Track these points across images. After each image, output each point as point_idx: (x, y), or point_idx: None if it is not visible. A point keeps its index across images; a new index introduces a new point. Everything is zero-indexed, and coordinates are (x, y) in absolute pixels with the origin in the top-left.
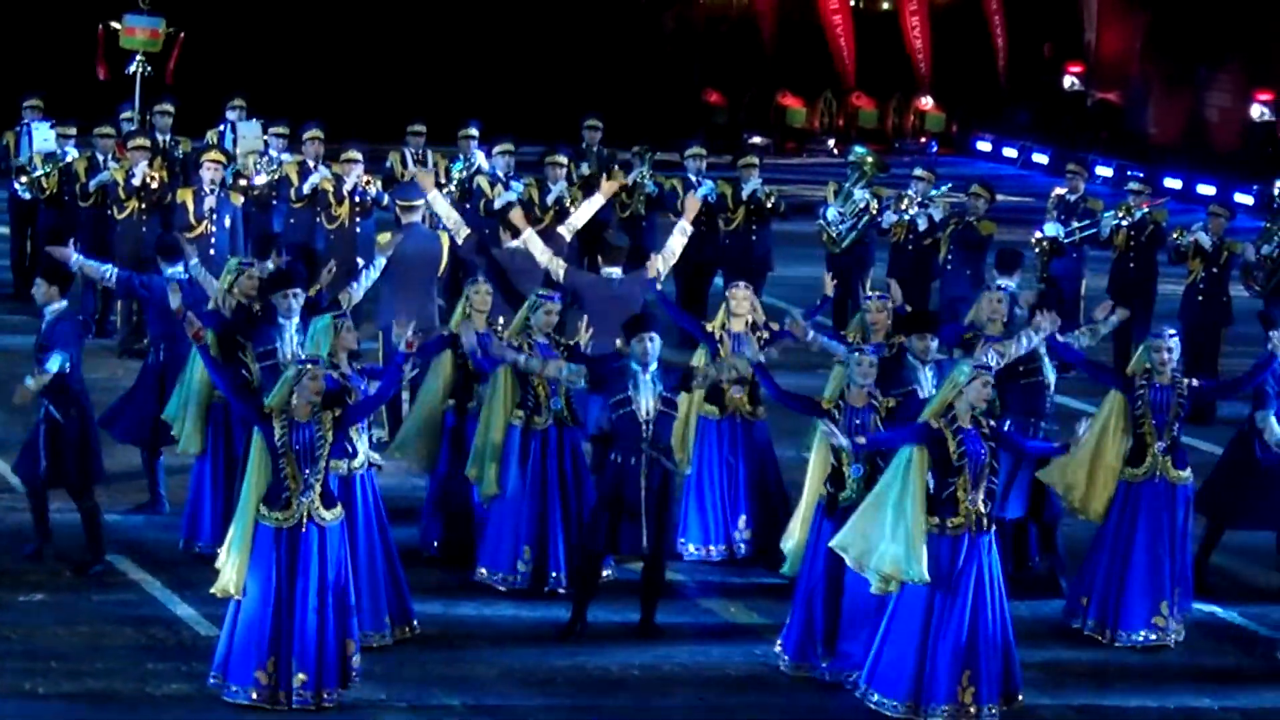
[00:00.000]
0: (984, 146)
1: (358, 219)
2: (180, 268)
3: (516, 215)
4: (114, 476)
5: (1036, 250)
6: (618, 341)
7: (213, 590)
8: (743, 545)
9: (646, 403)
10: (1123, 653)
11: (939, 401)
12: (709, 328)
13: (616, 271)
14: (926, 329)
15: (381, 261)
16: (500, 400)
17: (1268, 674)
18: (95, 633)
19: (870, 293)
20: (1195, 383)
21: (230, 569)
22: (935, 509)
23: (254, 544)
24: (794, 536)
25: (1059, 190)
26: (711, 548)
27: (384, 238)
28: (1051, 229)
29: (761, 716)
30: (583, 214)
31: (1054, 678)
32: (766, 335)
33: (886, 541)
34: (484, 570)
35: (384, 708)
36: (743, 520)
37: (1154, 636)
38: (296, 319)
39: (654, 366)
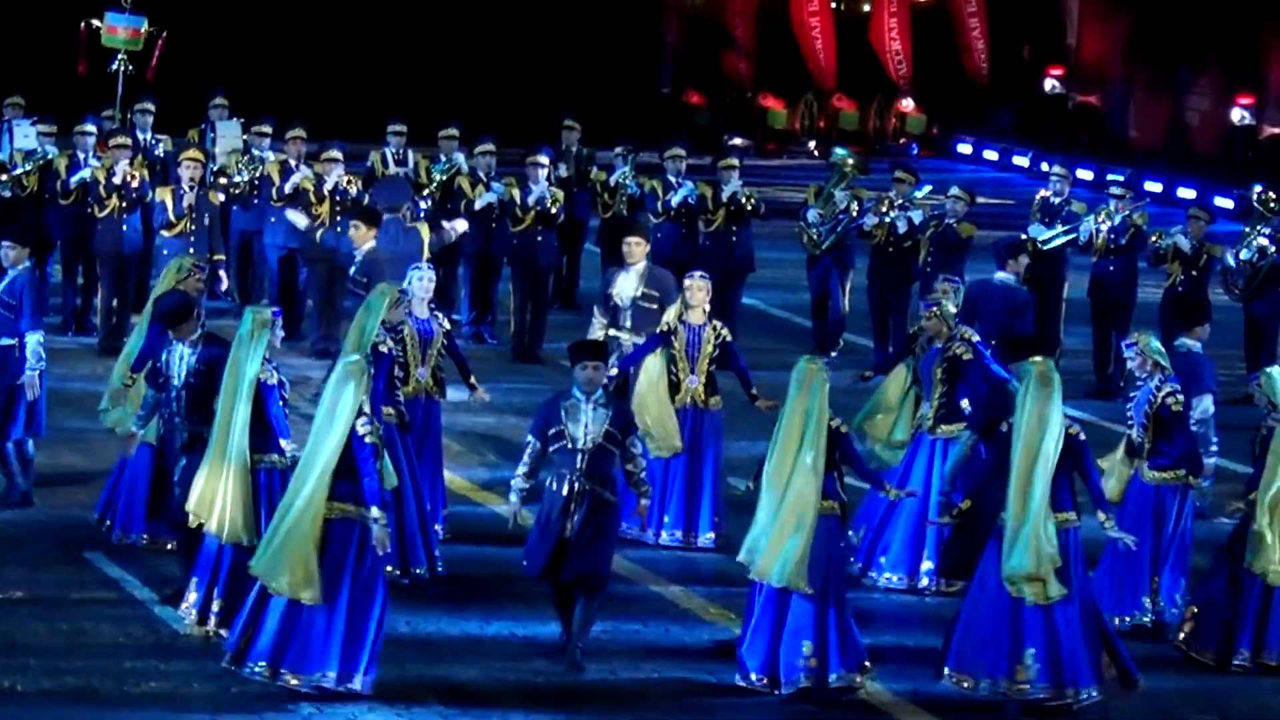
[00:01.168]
0: (965, 149)
1: (338, 218)
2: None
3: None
4: (94, 475)
5: None
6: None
7: (300, 597)
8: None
9: (585, 432)
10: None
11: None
12: (664, 323)
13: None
14: (1037, 353)
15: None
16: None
17: (1244, 677)
18: (74, 630)
19: (923, 299)
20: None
21: (306, 570)
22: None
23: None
24: (786, 545)
25: (1043, 193)
26: (658, 533)
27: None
28: (1035, 231)
29: None
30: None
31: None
32: (725, 336)
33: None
34: None
35: (366, 704)
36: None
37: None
38: (195, 336)
39: (599, 395)
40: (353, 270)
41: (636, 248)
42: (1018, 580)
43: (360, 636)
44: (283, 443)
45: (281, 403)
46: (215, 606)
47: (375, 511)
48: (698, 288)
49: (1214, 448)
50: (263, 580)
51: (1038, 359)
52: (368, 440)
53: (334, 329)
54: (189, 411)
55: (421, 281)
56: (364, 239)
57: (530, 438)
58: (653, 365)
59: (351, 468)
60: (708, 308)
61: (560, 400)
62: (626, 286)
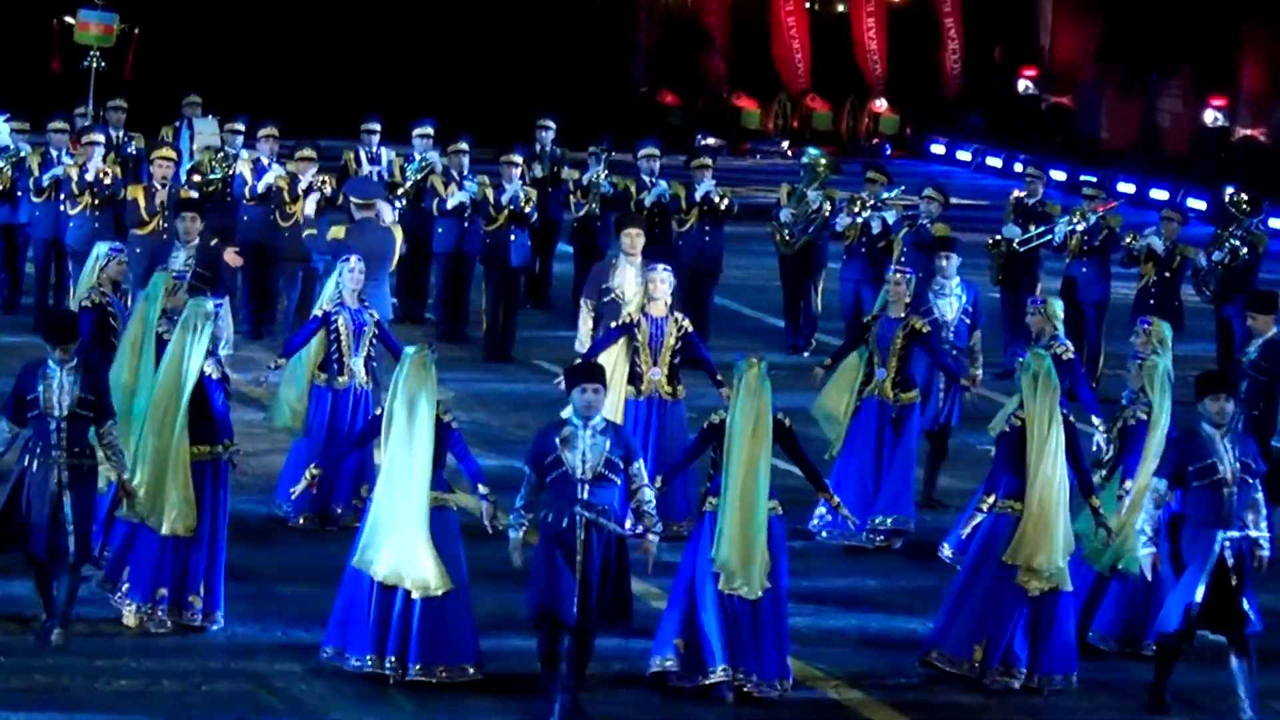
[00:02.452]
0: (938, 149)
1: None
2: None
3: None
4: None
5: (994, 253)
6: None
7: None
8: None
9: (584, 461)
10: (1091, 669)
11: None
12: (625, 314)
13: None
14: (1222, 389)
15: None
16: (309, 358)
17: (1216, 671)
18: (44, 630)
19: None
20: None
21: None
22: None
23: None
24: (755, 551)
25: (1017, 194)
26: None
27: (335, 232)
28: (1009, 231)
29: None
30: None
31: (1020, 697)
32: (687, 328)
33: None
34: (280, 503)
35: (333, 705)
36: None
37: None
38: (72, 365)
39: (597, 421)
40: (181, 264)
41: (638, 239)
42: (1043, 570)
43: (466, 622)
44: (225, 442)
45: (224, 398)
46: (161, 595)
47: (484, 489)
48: (660, 280)
49: None
50: (419, 589)
51: (1038, 352)
52: (454, 426)
53: None
54: (70, 444)
55: (351, 273)
56: (194, 232)
57: (526, 469)
58: (611, 355)
59: (438, 458)
60: (669, 300)
61: (555, 428)
62: (628, 279)
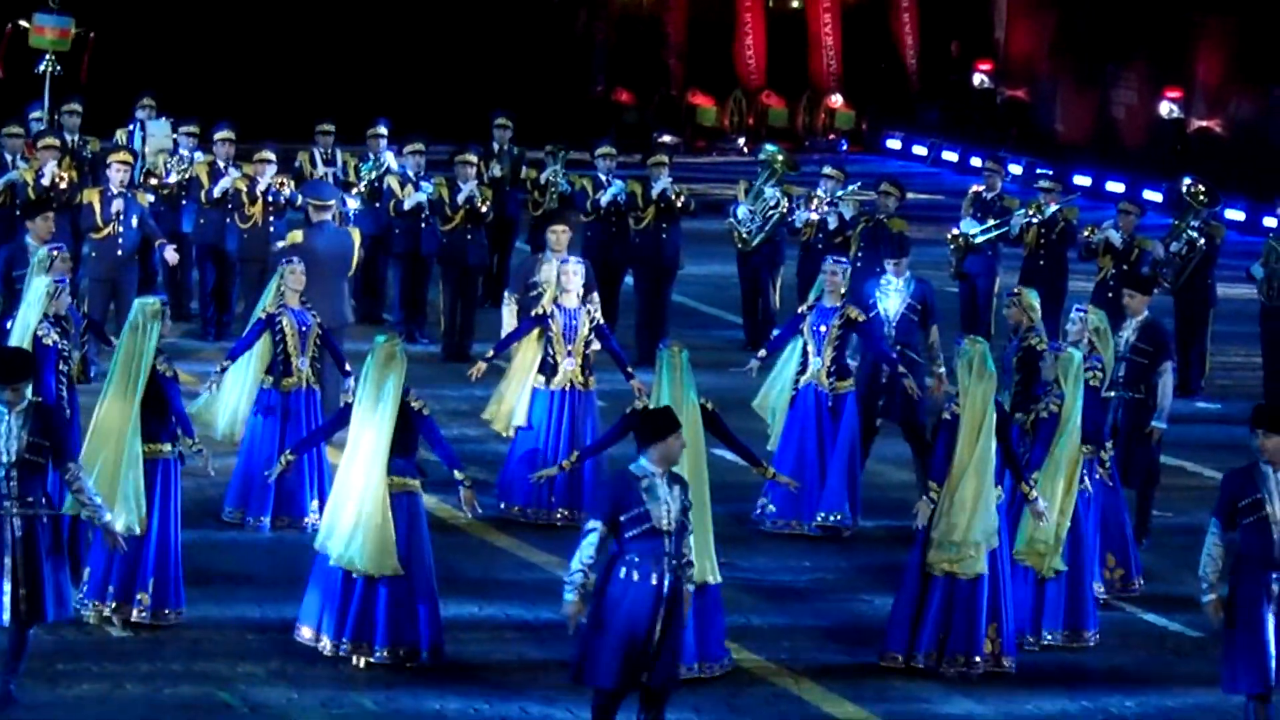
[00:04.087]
0: (894, 144)
1: (271, 219)
2: None
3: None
4: None
5: (952, 247)
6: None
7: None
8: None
9: (667, 512)
10: (1040, 654)
11: None
12: (539, 307)
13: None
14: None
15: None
16: (257, 360)
17: (1187, 675)
18: (5, 634)
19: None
20: None
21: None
22: None
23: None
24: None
25: (976, 188)
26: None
27: (294, 235)
28: (967, 226)
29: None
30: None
31: (974, 680)
32: (598, 319)
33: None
34: (231, 509)
35: (295, 707)
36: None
37: None
38: (21, 407)
39: (664, 471)
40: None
41: (563, 235)
42: (961, 551)
43: (428, 606)
44: (186, 440)
45: (179, 394)
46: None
47: (460, 474)
48: (572, 271)
49: None
50: (363, 569)
51: (975, 339)
52: (426, 413)
53: None
54: (23, 492)
55: (293, 274)
56: (46, 233)
57: (593, 523)
58: (526, 348)
59: (402, 444)
60: (581, 291)
61: (633, 478)
62: (554, 275)
